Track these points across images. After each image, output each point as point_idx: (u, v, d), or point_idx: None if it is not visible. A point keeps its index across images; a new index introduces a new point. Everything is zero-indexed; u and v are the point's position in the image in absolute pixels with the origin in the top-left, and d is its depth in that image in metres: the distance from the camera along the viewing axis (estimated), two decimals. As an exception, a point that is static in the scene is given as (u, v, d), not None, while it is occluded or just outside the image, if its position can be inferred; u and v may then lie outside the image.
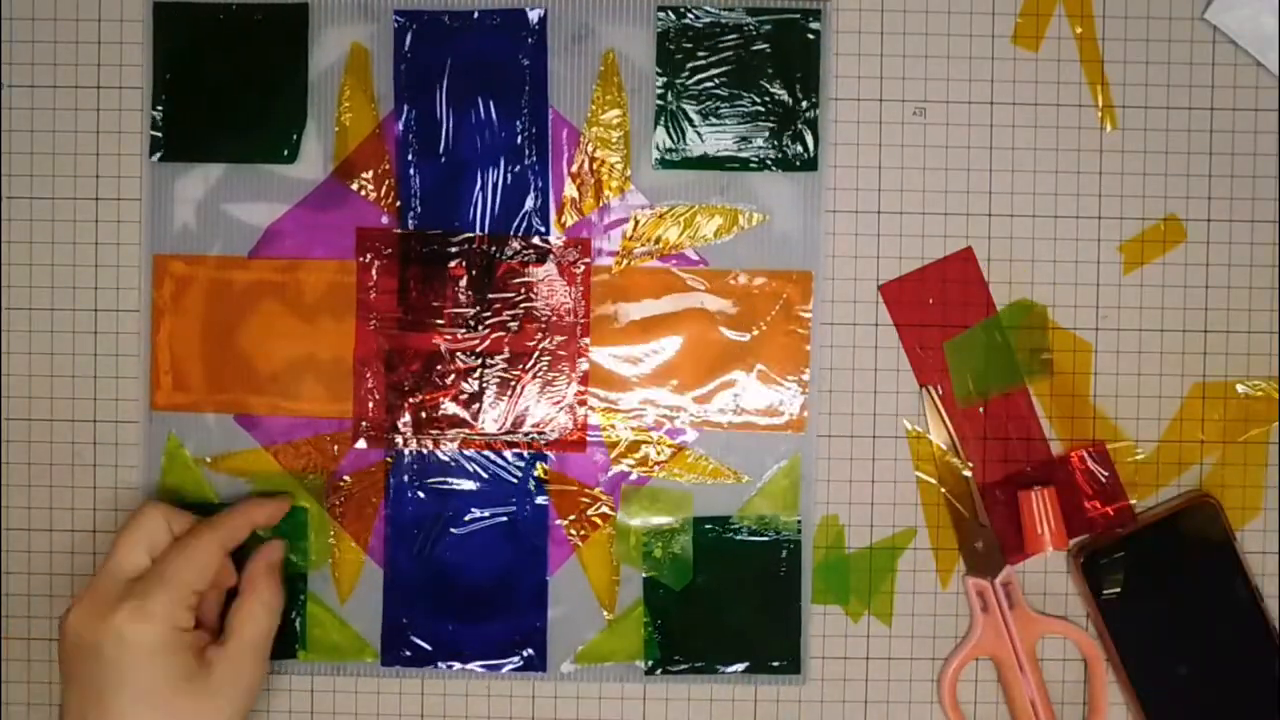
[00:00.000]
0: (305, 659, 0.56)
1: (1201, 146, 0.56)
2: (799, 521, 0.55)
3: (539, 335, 0.55)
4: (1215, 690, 0.55)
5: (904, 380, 0.56)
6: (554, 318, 0.55)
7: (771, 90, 0.55)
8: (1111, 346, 0.56)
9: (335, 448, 0.55)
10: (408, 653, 0.55)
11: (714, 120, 0.55)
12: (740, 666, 0.56)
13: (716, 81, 0.55)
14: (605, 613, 0.56)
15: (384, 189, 0.55)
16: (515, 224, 0.55)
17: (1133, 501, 0.56)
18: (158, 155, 0.55)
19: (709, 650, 0.56)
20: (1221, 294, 0.56)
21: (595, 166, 0.55)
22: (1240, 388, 0.56)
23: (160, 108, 0.55)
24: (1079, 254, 0.56)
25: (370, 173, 0.55)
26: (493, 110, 0.55)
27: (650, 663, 0.56)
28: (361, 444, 0.55)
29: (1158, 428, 0.56)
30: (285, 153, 0.55)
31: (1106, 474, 0.55)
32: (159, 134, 0.55)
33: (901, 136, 0.55)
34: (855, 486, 0.56)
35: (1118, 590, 0.55)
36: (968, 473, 0.55)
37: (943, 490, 0.56)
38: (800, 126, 0.55)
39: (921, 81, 0.55)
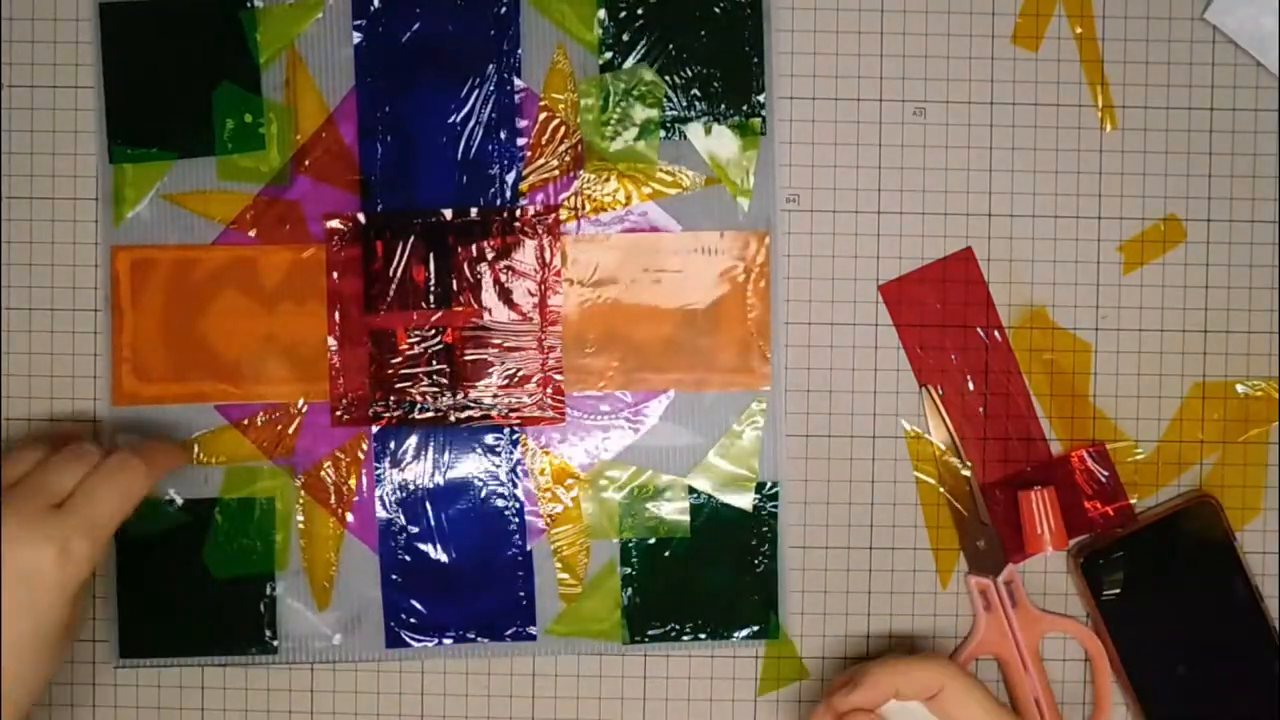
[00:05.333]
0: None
1: (1201, 146, 0.56)
2: (774, 485, 0.56)
3: (509, 308, 0.55)
4: (1215, 690, 0.55)
5: (904, 380, 0.56)
6: (523, 289, 0.55)
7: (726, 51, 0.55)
8: (1111, 346, 0.56)
9: (307, 430, 0.55)
10: (405, 633, 0.56)
11: (673, 89, 0.55)
12: (742, 632, 0.56)
13: (674, 55, 0.55)
14: (578, 584, 0.56)
15: (344, 171, 0.55)
16: (479, 197, 0.55)
17: (1133, 501, 0.56)
18: (112, 152, 0.55)
19: (685, 618, 0.56)
20: (1221, 294, 0.56)
21: (557, 134, 0.55)
22: (1240, 388, 0.56)
23: (113, 105, 0.55)
24: (1079, 254, 0.56)
25: (329, 156, 0.55)
26: (450, 84, 0.55)
27: (627, 632, 0.56)
28: (337, 424, 0.55)
29: (1158, 428, 0.56)
30: (242, 142, 0.55)
31: (1106, 474, 0.55)
32: (113, 131, 0.55)
33: (901, 136, 0.55)
34: (855, 487, 0.56)
35: (1118, 590, 0.55)
36: (967, 472, 0.55)
37: (942, 490, 0.56)
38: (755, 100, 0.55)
39: (921, 81, 0.55)
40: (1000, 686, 0.56)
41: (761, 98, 0.55)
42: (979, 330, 0.56)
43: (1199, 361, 0.56)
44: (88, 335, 0.56)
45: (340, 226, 0.55)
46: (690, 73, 0.55)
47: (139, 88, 0.55)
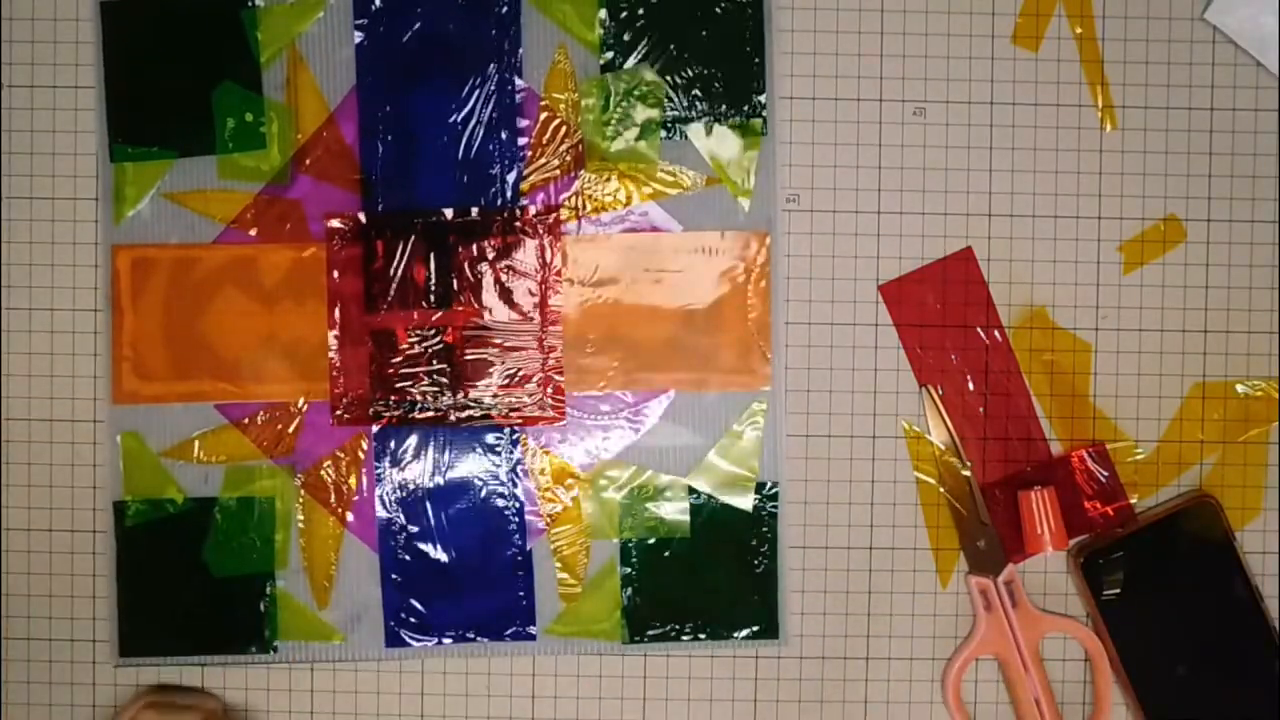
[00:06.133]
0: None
1: (1201, 146, 0.56)
2: (774, 485, 0.56)
3: (510, 308, 0.55)
4: (1215, 690, 0.55)
5: (904, 380, 0.56)
6: (524, 289, 0.55)
7: (725, 55, 0.55)
8: (1111, 346, 0.56)
9: (307, 429, 0.55)
10: (405, 632, 0.56)
11: (674, 89, 0.55)
12: (742, 632, 0.56)
13: (675, 55, 0.55)
14: (578, 584, 0.56)
15: (344, 170, 0.55)
16: (479, 197, 0.55)
17: (1133, 501, 0.56)
18: (113, 151, 0.55)
19: (685, 618, 0.56)
20: (1221, 294, 0.56)
21: (557, 134, 0.55)
22: (1240, 388, 0.56)
23: (114, 104, 0.55)
24: (1079, 254, 0.56)
25: (330, 155, 0.55)
26: (451, 84, 0.55)
27: (627, 632, 0.56)
28: (337, 423, 0.55)
29: (1158, 428, 0.56)
30: (243, 141, 0.55)
31: (1106, 474, 0.55)
32: (113, 130, 0.55)
33: (901, 136, 0.56)
34: (855, 487, 0.56)
35: (1117, 590, 0.55)
36: (967, 473, 0.55)
37: (942, 490, 0.56)
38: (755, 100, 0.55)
39: (921, 81, 0.55)
40: (1000, 686, 0.56)
41: (762, 98, 0.55)
42: (979, 330, 0.56)
43: (1199, 361, 0.56)
44: (88, 335, 0.56)
45: (341, 226, 0.55)
46: (691, 73, 0.55)
47: (139, 86, 0.55)
